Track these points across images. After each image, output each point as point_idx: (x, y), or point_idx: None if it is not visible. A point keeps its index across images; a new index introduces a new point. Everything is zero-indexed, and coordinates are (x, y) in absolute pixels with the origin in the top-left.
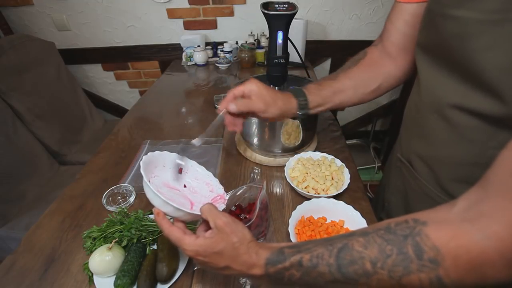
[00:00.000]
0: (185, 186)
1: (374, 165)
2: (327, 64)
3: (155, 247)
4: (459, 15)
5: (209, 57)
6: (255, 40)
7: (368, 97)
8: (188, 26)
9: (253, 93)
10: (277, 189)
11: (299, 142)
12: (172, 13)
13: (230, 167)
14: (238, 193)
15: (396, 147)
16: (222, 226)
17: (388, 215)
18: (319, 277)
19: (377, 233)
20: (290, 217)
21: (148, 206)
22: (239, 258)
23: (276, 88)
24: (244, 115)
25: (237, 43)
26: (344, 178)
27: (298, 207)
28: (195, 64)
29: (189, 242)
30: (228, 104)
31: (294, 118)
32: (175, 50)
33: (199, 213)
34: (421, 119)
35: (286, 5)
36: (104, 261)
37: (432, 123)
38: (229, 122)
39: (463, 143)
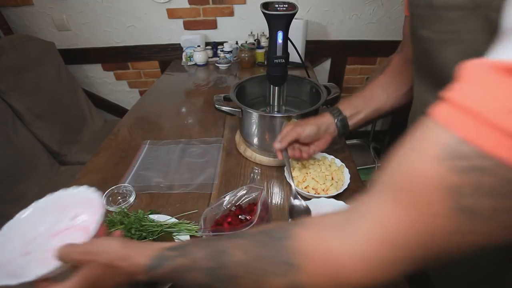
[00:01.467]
0: (74, 218)
1: (374, 165)
2: (327, 64)
3: None
4: (423, 35)
5: (209, 57)
6: (255, 40)
7: (403, 100)
8: (188, 26)
9: (289, 128)
10: (277, 189)
11: None
12: (172, 13)
13: (230, 167)
14: (238, 194)
15: None
16: (82, 257)
17: None
18: (195, 279)
19: (254, 234)
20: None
21: (148, 206)
22: (117, 272)
23: (276, 88)
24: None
25: (237, 43)
26: (344, 178)
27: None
28: (195, 64)
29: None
30: (274, 144)
31: (339, 137)
32: (175, 50)
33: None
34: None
35: (286, 5)
36: None
37: None
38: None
39: None
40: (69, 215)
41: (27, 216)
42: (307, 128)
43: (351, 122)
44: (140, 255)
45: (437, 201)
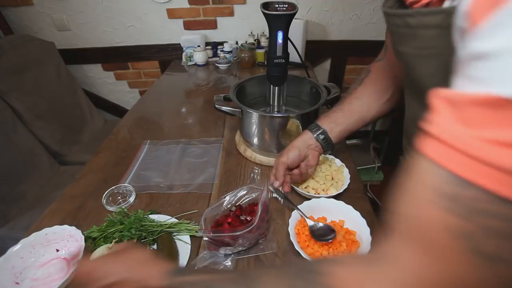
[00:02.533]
0: (57, 250)
1: (374, 165)
2: (327, 64)
3: (155, 247)
4: (403, 51)
5: (209, 57)
6: (255, 40)
7: (385, 107)
8: (188, 26)
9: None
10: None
11: None
12: (172, 13)
13: (230, 167)
14: (238, 195)
15: (401, 159)
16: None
17: None
18: None
19: (288, 268)
20: (290, 217)
21: (148, 206)
22: (138, 268)
23: (276, 88)
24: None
25: (237, 43)
26: (344, 178)
27: (298, 207)
28: (195, 64)
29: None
30: (272, 187)
31: (326, 151)
32: (175, 50)
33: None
34: (410, 131)
35: (286, 5)
36: None
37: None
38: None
39: None
40: (53, 248)
41: (17, 250)
42: (290, 154)
43: (333, 135)
44: (163, 261)
45: (449, 246)
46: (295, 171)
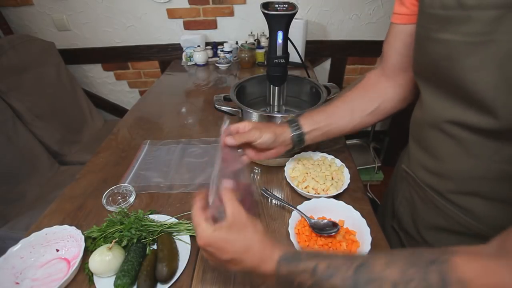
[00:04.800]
0: (57, 250)
1: (374, 165)
2: (327, 64)
3: (155, 247)
4: (445, 38)
5: (209, 57)
6: (255, 40)
7: (367, 120)
8: (188, 26)
9: (247, 126)
10: (277, 189)
11: None
12: (172, 13)
13: None
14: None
15: (402, 157)
16: (238, 216)
17: (400, 224)
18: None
19: (402, 254)
20: (290, 217)
21: (148, 206)
22: (252, 249)
23: (276, 88)
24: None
25: (237, 43)
26: (344, 178)
27: (298, 207)
28: (195, 64)
29: (204, 229)
30: (225, 139)
31: (293, 149)
32: (175, 50)
33: None
34: (425, 135)
35: (286, 5)
36: (104, 261)
37: (435, 139)
38: (226, 158)
39: (469, 158)
40: (53, 248)
41: (17, 250)
42: (265, 136)
43: (308, 137)
44: (276, 244)
45: None
46: (251, 152)
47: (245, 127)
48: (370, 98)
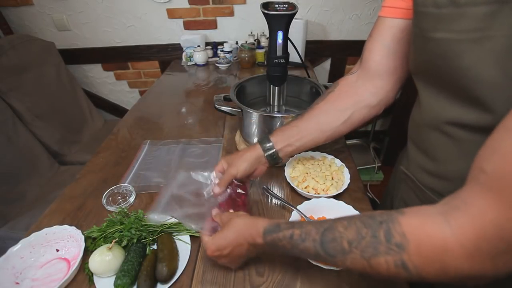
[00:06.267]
0: (57, 250)
1: (374, 165)
2: (327, 64)
3: (155, 247)
4: (439, 37)
5: (209, 57)
6: (255, 40)
7: (341, 130)
8: (188, 26)
9: (224, 165)
10: (277, 189)
11: None
12: (172, 13)
13: None
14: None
15: (401, 159)
16: (225, 219)
17: None
18: (305, 250)
19: (359, 218)
20: (290, 217)
21: (148, 206)
22: (241, 232)
23: (276, 88)
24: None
25: (237, 43)
26: (344, 178)
27: (298, 207)
28: (195, 64)
29: (207, 241)
30: (213, 189)
31: (276, 165)
32: (175, 50)
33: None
34: (424, 136)
35: (286, 5)
36: (104, 261)
37: (434, 140)
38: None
39: (468, 159)
40: (53, 248)
41: (17, 250)
42: (241, 167)
43: (282, 153)
44: (258, 218)
45: None
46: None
47: (223, 166)
48: (342, 107)
